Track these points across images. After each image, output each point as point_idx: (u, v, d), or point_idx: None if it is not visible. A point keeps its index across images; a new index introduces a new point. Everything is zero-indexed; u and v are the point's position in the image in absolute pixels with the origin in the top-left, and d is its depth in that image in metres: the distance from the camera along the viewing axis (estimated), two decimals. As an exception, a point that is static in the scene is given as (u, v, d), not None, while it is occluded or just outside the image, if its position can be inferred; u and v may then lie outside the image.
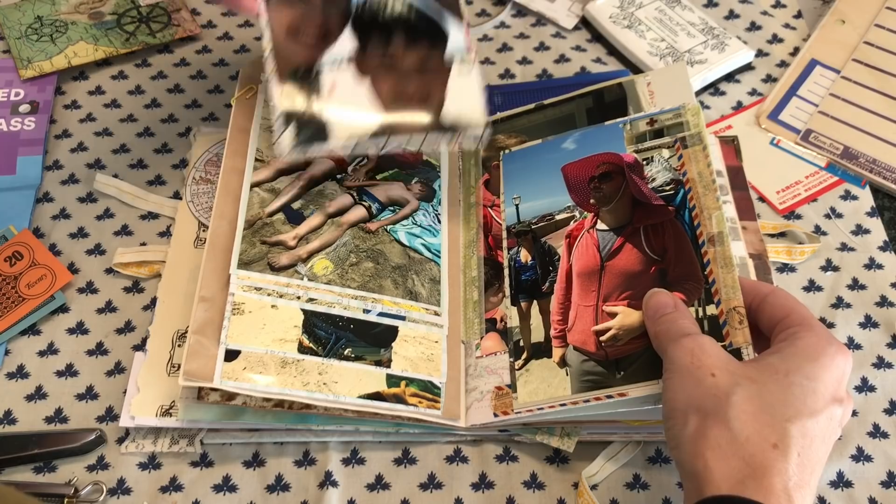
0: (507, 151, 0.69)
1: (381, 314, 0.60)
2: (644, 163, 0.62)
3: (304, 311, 0.58)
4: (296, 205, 0.62)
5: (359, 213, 0.64)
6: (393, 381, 0.58)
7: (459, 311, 0.63)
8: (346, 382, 0.56)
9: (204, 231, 0.68)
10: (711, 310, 0.54)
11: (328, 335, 0.58)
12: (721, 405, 0.47)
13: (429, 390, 0.58)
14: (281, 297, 0.58)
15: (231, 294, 0.57)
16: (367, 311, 0.59)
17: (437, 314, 0.61)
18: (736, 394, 0.47)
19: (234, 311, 0.57)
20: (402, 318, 0.60)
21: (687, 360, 0.49)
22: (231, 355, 0.55)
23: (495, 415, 0.58)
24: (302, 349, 0.57)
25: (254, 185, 0.63)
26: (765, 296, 0.53)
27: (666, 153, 0.61)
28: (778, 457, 0.46)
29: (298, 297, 0.58)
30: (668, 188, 0.60)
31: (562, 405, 0.56)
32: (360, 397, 0.56)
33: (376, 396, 0.57)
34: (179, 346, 0.61)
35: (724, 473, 0.45)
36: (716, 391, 0.48)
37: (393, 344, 0.59)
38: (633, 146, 0.63)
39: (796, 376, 0.48)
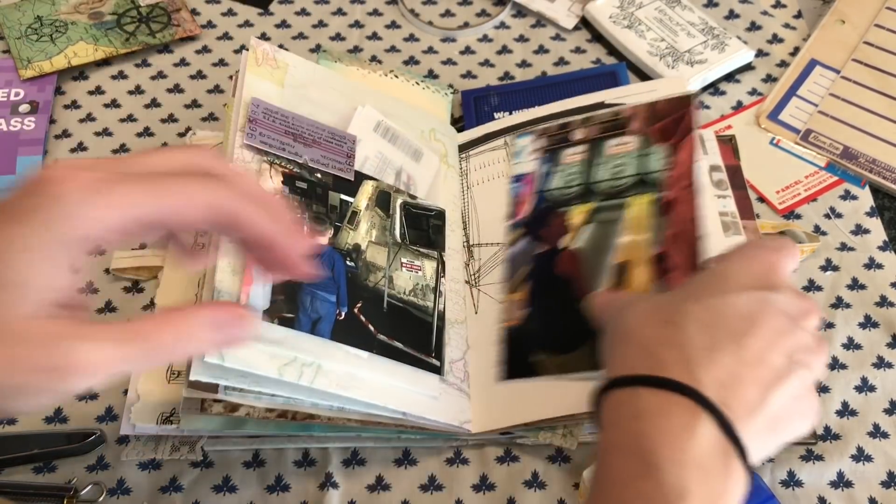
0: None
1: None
2: None
3: None
4: None
5: None
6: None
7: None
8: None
9: (202, 235, 0.67)
10: None
11: None
12: (617, 315, 0.47)
13: None
14: None
15: None
16: None
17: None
18: (633, 302, 0.47)
19: None
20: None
21: (608, 310, 0.50)
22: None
23: None
24: None
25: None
26: None
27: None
28: (670, 329, 0.43)
29: None
30: None
31: None
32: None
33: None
34: (179, 351, 0.61)
35: (617, 365, 0.44)
36: (617, 311, 0.48)
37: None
38: None
39: (701, 273, 0.46)
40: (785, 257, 0.46)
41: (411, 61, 0.82)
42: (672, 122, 0.61)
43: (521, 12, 0.86)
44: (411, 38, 0.84)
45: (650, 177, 0.61)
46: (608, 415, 0.43)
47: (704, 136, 0.70)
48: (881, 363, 0.64)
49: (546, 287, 0.61)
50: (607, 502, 0.41)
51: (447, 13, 0.86)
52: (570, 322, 0.59)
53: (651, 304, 0.46)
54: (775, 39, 0.83)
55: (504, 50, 0.83)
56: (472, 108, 0.76)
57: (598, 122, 0.65)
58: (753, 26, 0.84)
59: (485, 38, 0.84)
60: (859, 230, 0.70)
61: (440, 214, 0.66)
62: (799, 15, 0.85)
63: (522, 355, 0.60)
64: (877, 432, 0.60)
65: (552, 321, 0.60)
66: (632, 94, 0.67)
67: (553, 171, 0.66)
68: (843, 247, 0.69)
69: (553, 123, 0.67)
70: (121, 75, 0.81)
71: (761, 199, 0.72)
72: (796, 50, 0.82)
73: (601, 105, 0.67)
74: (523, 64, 0.82)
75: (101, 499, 0.57)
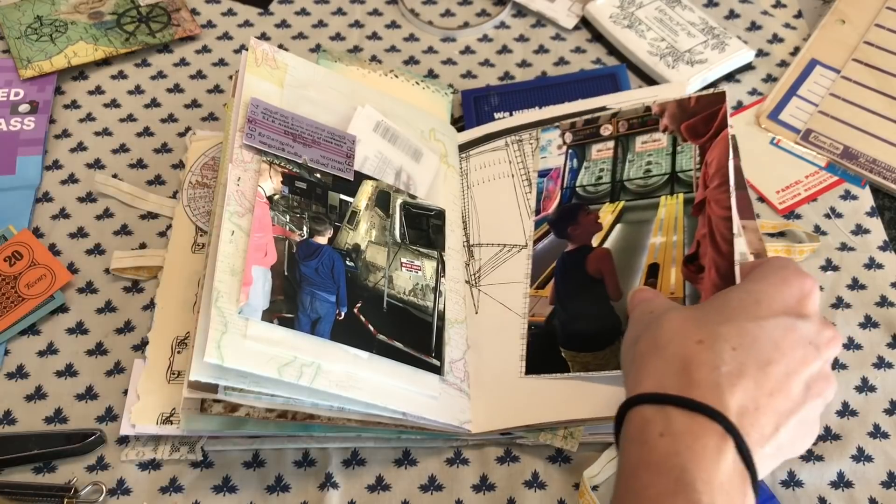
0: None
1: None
2: None
3: None
4: None
5: None
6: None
7: None
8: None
9: (201, 235, 0.67)
10: None
11: None
12: (651, 323, 0.47)
13: None
14: None
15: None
16: None
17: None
18: (668, 311, 0.47)
19: None
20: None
21: (639, 309, 0.50)
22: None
23: None
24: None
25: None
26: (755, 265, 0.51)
27: None
28: (703, 350, 0.44)
29: None
30: None
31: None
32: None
33: None
34: (179, 352, 0.61)
35: (646, 376, 0.45)
36: (650, 316, 0.48)
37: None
38: None
39: (736, 291, 0.47)
40: (811, 287, 0.47)
41: (411, 61, 0.82)
42: (702, 119, 0.60)
43: (521, 12, 0.86)
44: (411, 37, 0.84)
45: (682, 175, 0.60)
46: (634, 429, 0.44)
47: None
48: (881, 363, 0.63)
49: (575, 285, 0.61)
50: None
51: (447, 13, 0.86)
52: (598, 321, 0.59)
53: (686, 318, 0.46)
54: (775, 39, 0.83)
55: (504, 50, 0.83)
56: (472, 108, 0.76)
57: (627, 117, 0.64)
58: (753, 26, 0.84)
59: (485, 38, 0.84)
60: (859, 230, 0.70)
61: (440, 214, 0.66)
62: (799, 15, 0.85)
63: (547, 352, 0.60)
64: (877, 432, 0.60)
65: (579, 319, 0.60)
66: (633, 100, 0.67)
67: (581, 166, 0.65)
68: (844, 247, 0.69)
69: (578, 118, 0.67)
70: (121, 75, 0.81)
71: (761, 199, 0.72)
72: (796, 50, 0.82)
73: (603, 109, 0.67)
74: (523, 64, 0.82)
75: (101, 499, 0.57)
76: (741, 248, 0.65)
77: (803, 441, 0.46)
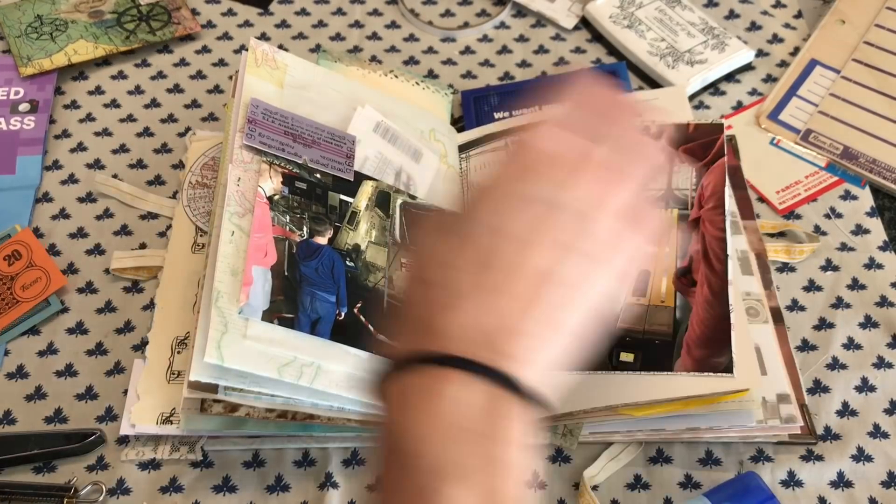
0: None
1: None
2: None
3: None
4: None
5: None
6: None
7: None
8: None
9: (201, 236, 0.67)
10: None
11: None
12: None
13: None
14: None
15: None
16: None
17: None
18: (412, 256, 0.43)
19: None
20: None
21: None
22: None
23: None
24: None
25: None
26: None
27: None
28: (424, 289, 0.36)
29: None
30: None
31: None
32: None
33: None
34: (179, 352, 0.61)
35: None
36: None
37: None
38: None
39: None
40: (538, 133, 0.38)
41: (411, 61, 0.82)
42: (700, 146, 0.62)
43: (521, 12, 0.86)
44: (411, 38, 0.84)
45: (678, 192, 0.61)
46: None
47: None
48: (881, 363, 0.64)
49: None
50: None
51: (447, 13, 0.86)
52: None
53: (419, 259, 0.39)
54: (775, 39, 0.83)
55: (504, 50, 0.83)
56: (471, 108, 0.76)
57: None
58: (753, 26, 0.84)
59: (485, 38, 0.84)
60: (859, 230, 0.70)
61: (440, 214, 0.66)
62: (799, 15, 0.85)
63: None
64: (877, 432, 0.60)
65: None
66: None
67: None
68: (844, 247, 0.69)
69: None
70: (121, 75, 0.81)
71: (761, 199, 0.72)
72: (796, 50, 0.82)
73: None
74: (523, 64, 0.82)
75: (100, 499, 0.57)
76: (741, 247, 0.66)
77: (586, 289, 0.36)
